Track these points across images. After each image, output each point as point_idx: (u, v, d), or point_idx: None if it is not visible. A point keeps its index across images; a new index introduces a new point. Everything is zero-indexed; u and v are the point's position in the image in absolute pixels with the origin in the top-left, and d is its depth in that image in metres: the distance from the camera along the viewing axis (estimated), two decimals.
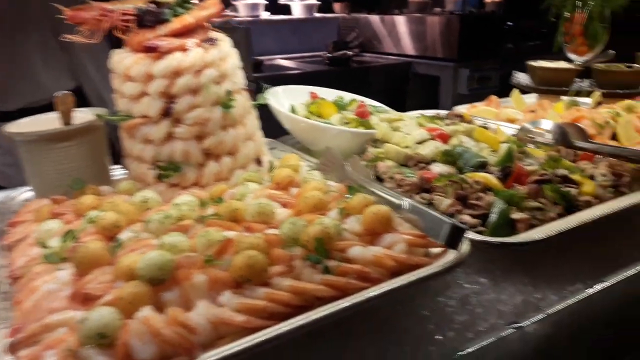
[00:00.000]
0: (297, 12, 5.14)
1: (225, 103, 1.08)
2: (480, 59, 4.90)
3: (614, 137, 1.50)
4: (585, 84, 2.00)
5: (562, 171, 1.18)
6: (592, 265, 0.96)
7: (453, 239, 0.82)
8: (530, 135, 1.35)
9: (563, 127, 1.29)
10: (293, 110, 1.49)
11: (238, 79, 1.15)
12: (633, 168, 1.20)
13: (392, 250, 0.83)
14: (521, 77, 2.04)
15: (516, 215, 1.01)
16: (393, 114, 1.51)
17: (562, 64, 1.95)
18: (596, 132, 1.54)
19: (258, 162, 1.18)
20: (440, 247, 0.84)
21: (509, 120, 1.77)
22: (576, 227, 0.96)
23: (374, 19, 5.27)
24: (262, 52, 4.73)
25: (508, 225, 1.01)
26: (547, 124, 1.33)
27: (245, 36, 3.97)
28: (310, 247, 0.80)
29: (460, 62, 4.75)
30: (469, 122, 1.64)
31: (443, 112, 1.75)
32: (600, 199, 1.11)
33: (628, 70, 1.83)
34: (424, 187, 1.17)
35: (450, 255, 0.82)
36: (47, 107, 1.22)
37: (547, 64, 1.95)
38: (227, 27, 4.53)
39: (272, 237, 0.84)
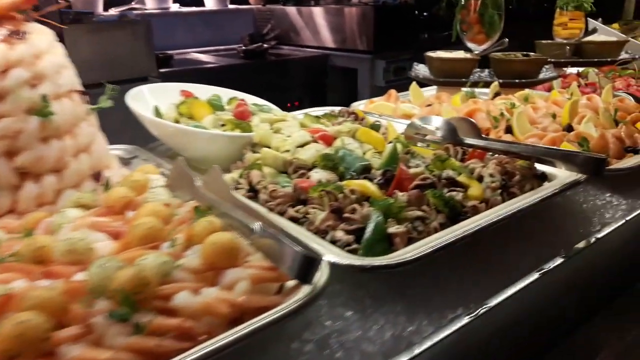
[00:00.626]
0: (210, 3, 4.87)
1: (42, 110, 0.88)
2: (396, 50, 4.87)
3: (510, 130, 1.43)
4: (485, 74, 1.94)
5: (448, 173, 1.07)
6: (477, 283, 0.85)
7: (306, 270, 0.67)
8: (419, 133, 1.24)
9: (451, 123, 1.19)
10: (158, 113, 1.29)
11: (64, 79, 0.95)
12: (523, 165, 1.11)
13: (230, 292, 0.67)
14: (420, 69, 1.95)
15: (393, 228, 0.88)
16: (277, 113, 1.35)
17: (460, 54, 1.88)
18: (492, 125, 1.47)
19: (96, 178, 0.98)
20: (293, 280, 0.69)
21: (405, 115, 1.66)
22: (457, 240, 0.84)
23: (291, 10, 5.10)
24: (172, 46, 4.43)
25: (384, 241, 0.88)
26: (436, 120, 1.22)
27: (146, 30, 3.69)
28: (117, 298, 0.62)
29: (377, 53, 4.70)
30: (362, 119, 1.52)
31: (338, 109, 1.62)
32: (488, 203, 1.01)
33: (524, 58, 1.78)
34: (300, 199, 1.02)
35: (303, 291, 0.67)
36: None
37: (444, 55, 1.87)
38: (125, 21, 4.17)
39: (77, 285, 0.65)
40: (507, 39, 1.91)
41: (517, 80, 1.77)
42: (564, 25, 2.32)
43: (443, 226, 0.93)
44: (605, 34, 2.40)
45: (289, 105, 4.26)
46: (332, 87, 4.87)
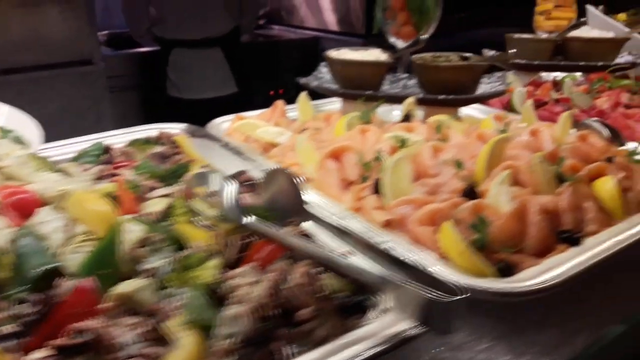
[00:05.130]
0: None
1: None
2: None
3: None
4: (411, 82, 1.39)
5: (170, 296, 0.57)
6: None
7: None
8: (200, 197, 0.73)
9: (233, 184, 0.67)
10: None
11: None
12: (333, 288, 0.59)
13: None
14: (324, 73, 1.42)
15: None
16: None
17: (372, 55, 1.33)
18: (360, 177, 0.94)
19: None
20: None
21: (270, 145, 1.15)
22: None
23: None
24: None
25: None
26: (214, 179, 0.71)
27: (86, 5, 3.25)
28: None
29: (369, 38, 4.18)
30: (176, 154, 1.02)
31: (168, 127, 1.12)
32: None
33: (450, 64, 1.22)
34: None
35: None
36: None
37: (350, 55, 1.32)
38: None
39: None
40: (425, 36, 1.35)
41: (439, 97, 1.22)
42: (548, 13, 1.73)
43: None
44: (603, 27, 1.79)
45: (271, 93, 3.77)
46: None
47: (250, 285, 0.61)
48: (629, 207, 0.91)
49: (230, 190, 0.70)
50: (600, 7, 1.93)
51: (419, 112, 1.28)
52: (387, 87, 1.41)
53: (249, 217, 0.68)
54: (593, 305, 0.74)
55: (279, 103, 1.34)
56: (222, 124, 1.29)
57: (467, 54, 1.30)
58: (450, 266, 0.73)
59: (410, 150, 0.93)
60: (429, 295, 0.53)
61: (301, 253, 0.63)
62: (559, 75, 1.69)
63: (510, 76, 1.54)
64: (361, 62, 1.27)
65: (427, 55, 1.30)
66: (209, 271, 0.62)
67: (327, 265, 0.61)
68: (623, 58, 1.74)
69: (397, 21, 1.36)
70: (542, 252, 0.78)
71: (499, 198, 0.82)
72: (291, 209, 0.79)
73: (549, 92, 1.49)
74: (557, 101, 1.39)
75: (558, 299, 0.70)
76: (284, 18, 4.71)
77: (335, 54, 1.32)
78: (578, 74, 1.69)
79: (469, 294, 0.53)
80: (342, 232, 0.71)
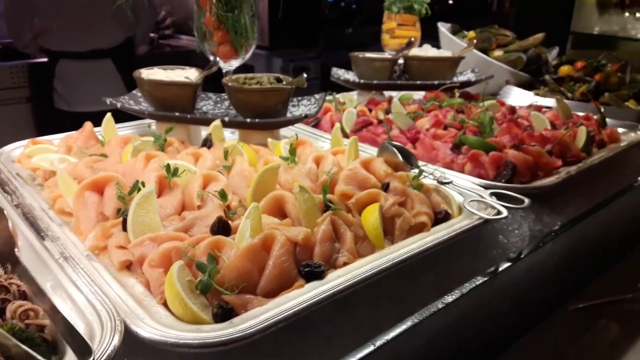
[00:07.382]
0: None
1: None
2: (297, 47, 4.33)
3: None
4: (224, 107, 1.35)
5: None
6: None
7: None
8: None
9: None
10: None
11: None
12: None
13: None
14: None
15: None
16: None
17: (189, 75, 1.27)
18: (112, 212, 0.87)
19: None
20: None
21: (50, 173, 1.06)
22: None
23: None
24: None
25: None
26: None
27: None
28: None
29: (273, 50, 4.19)
30: None
31: None
32: None
33: (255, 88, 1.16)
34: None
35: None
36: None
37: (159, 75, 1.26)
38: None
39: None
40: (245, 56, 1.33)
41: (248, 120, 1.19)
42: (392, 32, 1.75)
43: None
44: (450, 46, 1.83)
45: None
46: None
47: None
48: (400, 233, 0.90)
49: None
50: (448, 25, 1.99)
51: (230, 135, 1.24)
52: (211, 108, 1.36)
53: None
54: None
55: (88, 124, 1.26)
56: (14, 151, 1.19)
57: (282, 76, 1.27)
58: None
59: (149, 190, 0.86)
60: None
61: None
62: (395, 94, 1.72)
63: (345, 96, 1.55)
64: (166, 82, 1.21)
65: (241, 77, 1.27)
66: None
67: None
68: (466, 76, 1.79)
69: (214, 41, 1.31)
70: (283, 288, 0.75)
71: (244, 233, 0.78)
72: (5, 253, 0.71)
73: (380, 109, 1.50)
74: (380, 122, 1.39)
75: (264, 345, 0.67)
76: (192, 28, 4.61)
77: (145, 73, 1.25)
78: (413, 93, 1.73)
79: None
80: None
